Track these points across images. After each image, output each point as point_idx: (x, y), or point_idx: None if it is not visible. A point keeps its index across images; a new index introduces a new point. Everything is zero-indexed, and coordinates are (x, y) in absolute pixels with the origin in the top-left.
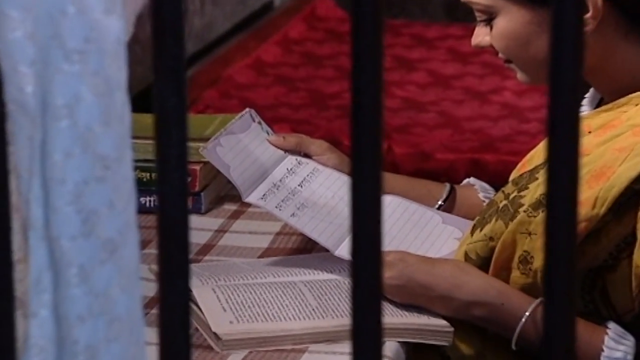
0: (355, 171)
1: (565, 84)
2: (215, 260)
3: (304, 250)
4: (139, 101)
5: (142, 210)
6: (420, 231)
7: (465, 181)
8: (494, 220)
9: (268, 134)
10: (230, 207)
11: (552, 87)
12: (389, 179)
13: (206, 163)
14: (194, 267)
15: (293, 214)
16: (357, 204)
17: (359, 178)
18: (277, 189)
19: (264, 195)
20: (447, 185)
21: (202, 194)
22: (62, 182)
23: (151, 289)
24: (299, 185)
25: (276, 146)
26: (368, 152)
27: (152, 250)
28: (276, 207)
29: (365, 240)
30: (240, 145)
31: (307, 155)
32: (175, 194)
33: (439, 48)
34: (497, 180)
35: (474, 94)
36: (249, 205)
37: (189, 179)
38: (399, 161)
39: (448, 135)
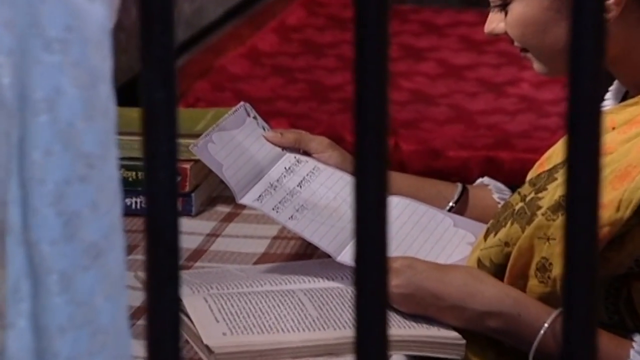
0: (358, 170)
1: (586, 75)
2: (207, 267)
3: (304, 255)
4: (124, 94)
5: (128, 212)
6: (430, 235)
7: (478, 181)
8: (509, 223)
9: (264, 129)
10: (223, 209)
11: (571, 78)
12: (396, 178)
13: (197, 161)
14: (184, 274)
15: (291, 216)
16: (361, 205)
17: (362, 177)
18: (274, 189)
19: (259, 196)
20: (459, 186)
21: (192, 194)
22: (42, 182)
23: (138, 298)
24: (298, 186)
25: (273, 143)
26: (372, 149)
27: (139, 256)
28: (273, 209)
29: (370, 245)
30: (234, 142)
31: (306, 153)
32: (163, 194)
33: (451, 36)
34: (514, 180)
35: (489, 85)
36: (243, 207)
37: (179, 179)
38: (406, 159)
39: (460, 131)
